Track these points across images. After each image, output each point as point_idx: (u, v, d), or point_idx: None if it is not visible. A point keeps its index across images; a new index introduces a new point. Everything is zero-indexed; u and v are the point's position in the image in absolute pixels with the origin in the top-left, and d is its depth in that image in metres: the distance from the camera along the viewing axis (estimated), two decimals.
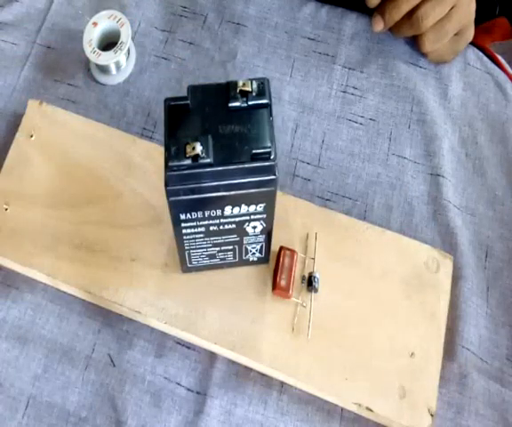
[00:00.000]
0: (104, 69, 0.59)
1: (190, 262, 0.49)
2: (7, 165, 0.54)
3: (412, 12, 0.56)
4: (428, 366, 0.49)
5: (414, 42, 0.61)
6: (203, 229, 0.43)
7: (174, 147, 0.37)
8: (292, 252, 0.51)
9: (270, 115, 0.39)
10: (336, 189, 0.57)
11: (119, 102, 0.59)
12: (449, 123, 0.60)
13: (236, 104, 0.39)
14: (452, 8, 0.56)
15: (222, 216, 0.42)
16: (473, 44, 0.62)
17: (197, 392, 0.50)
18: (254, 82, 0.39)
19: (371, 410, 0.47)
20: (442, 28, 0.57)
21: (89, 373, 0.50)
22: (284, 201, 0.52)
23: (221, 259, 0.49)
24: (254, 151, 0.38)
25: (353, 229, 0.53)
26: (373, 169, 0.58)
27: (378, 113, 0.60)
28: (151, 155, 0.54)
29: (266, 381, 0.50)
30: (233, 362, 0.50)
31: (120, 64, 0.59)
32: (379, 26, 0.58)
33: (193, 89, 0.40)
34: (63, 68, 0.60)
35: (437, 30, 0.57)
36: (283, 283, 0.49)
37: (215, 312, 0.50)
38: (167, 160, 0.37)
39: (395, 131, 0.59)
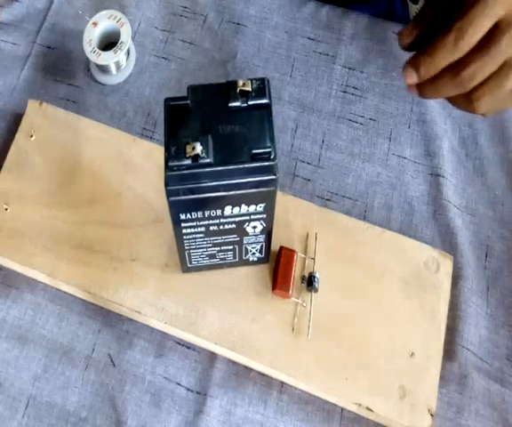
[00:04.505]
0: (104, 69, 0.59)
1: (190, 262, 0.49)
2: (7, 165, 0.54)
3: (455, 68, 0.43)
4: (428, 366, 0.49)
5: (452, 102, 0.47)
6: (203, 229, 0.43)
7: (174, 147, 0.37)
8: (292, 252, 0.50)
9: (270, 115, 0.39)
10: (336, 189, 0.57)
11: (119, 102, 0.59)
12: (449, 123, 0.60)
13: (236, 104, 0.39)
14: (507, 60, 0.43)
15: (222, 216, 0.42)
16: None
17: (197, 392, 0.50)
18: (254, 82, 0.39)
19: (371, 410, 0.47)
20: (499, 88, 0.43)
21: (89, 373, 0.50)
22: (284, 201, 0.52)
23: (221, 259, 0.49)
24: (254, 151, 0.38)
25: (353, 229, 0.53)
26: (373, 169, 0.58)
27: (378, 113, 0.60)
28: (151, 155, 0.54)
29: (266, 381, 0.50)
30: (233, 362, 0.50)
31: (120, 64, 0.59)
32: (411, 79, 0.45)
33: (193, 89, 0.40)
34: (63, 68, 0.60)
35: (493, 89, 0.44)
36: (283, 283, 0.49)
37: (215, 312, 0.50)
38: (167, 160, 0.37)
39: (395, 131, 0.59)
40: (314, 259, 0.51)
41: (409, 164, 0.58)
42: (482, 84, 0.43)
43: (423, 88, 0.46)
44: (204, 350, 0.51)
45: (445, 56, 0.43)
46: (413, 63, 0.45)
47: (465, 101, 0.45)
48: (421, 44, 0.45)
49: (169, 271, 0.51)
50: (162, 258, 0.51)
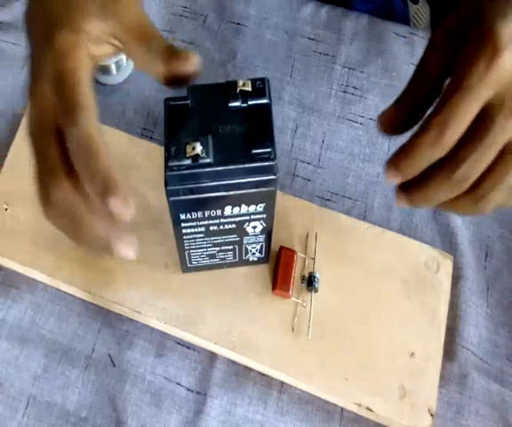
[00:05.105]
0: (104, 69, 0.59)
1: (190, 262, 0.49)
2: (7, 165, 0.54)
3: (445, 167, 0.35)
4: (428, 366, 0.49)
5: (453, 208, 0.38)
6: (203, 229, 0.43)
7: (174, 147, 0.37)
8: (292, 252, 0.51)
9: (270, 115, 0.39)
10: (336, 189, 0.57)
11: (119, 102, 0.59)
12: None
13: (236, 104, 0.39)
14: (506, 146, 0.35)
15: (222, 216, 0.42)
16: None
17: (197, 392, 0.50)
18: (254, 82, 0.39)
19: (371, 410, 0.47)
20: (505, 177, 0.35)
21: (89, 373, 0.50)
22: (284, 201, 0.52)
23: (221, 259, 0.49)
24: (254, 151, 0.38)
25: (353, 229, 0.53)
26: (373, 169, 0.58)
27: (378, 113, 0.60)
28: (151, 155, 0.54)
29: (266, 381, 0.50)
30: (233, 362, 0.50)
31: (120, 64, 0.59)
32: (392, 179, 0.37)
33: (193, 89, 0.40)
34: None
35: (498, 181, 0.36)
36: (283, 283, 0.49)
37: (215, 312, 0.50)
38: (167, 160, 0.37)
39: None
40: (314, 259, 0.51)
41: None
42: (483, 180, 0.35)
43: (412, 194, 0.37)
44: (204, 350, 0.51)
45: (427, 155, 0.35)
46: (393, 162, 0.37)
47: (467, 204, 0.37)
48: (409, 123, 0.38)
49: (169, 271, 0.51)
50: (162, 258, 0.51)
